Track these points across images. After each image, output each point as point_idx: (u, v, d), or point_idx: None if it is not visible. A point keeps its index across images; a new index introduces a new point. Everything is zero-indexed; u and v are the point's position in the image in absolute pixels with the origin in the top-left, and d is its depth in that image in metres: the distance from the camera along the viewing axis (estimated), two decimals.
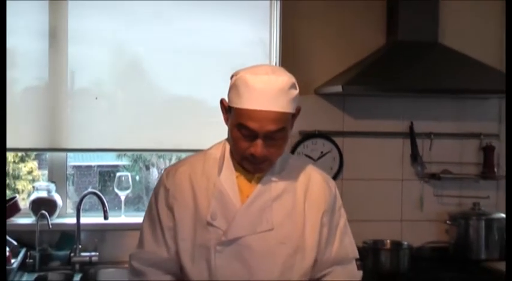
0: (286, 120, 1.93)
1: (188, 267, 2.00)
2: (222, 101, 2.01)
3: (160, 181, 2.11)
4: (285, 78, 1.92)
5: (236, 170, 2.04)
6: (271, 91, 1.88)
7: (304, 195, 2.07)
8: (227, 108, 1.99)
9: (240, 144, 1.94)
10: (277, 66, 1.96)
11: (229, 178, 2.02)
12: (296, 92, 1.96)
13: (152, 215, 2.09)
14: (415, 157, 3.87)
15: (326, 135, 3.80)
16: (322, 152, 3.78)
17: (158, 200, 2.06)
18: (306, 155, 3.74)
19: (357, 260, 2.22)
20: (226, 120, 2.02)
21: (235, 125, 1.93)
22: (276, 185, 2.03)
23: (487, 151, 3.91)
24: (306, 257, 2.04)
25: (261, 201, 2.00)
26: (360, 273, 2.23)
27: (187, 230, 2.00)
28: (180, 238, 2.00)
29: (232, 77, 1.98)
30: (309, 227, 2.04)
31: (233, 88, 1.94)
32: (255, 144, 1.91)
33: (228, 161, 2.05)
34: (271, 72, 1.92)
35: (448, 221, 3.84)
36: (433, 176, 3.89)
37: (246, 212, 1.99)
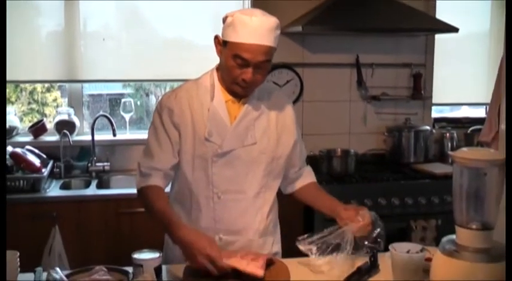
0: (271, 53, 1.94)
1: (189, 175, 2.04)
2: (216, 37, 1.98)
3: (163, 103, 2.07)
4: (274, 19, 1.94)
5: (226, 96, 2.05)
6: (264, 29, 1.89)
7: (276, 115, 2.11)
8: (222, 43, 1.96)
9: (233, 71, 1.94)
10: (264, 11, 1.99)
11: (220, 103, 2.03)
12: (279, 31, 1.96)
13: (158, 131, 2.05)
14: (360, 82, 3.91)
15: (289, 66, 3.82)
16: (287, 80, 3.82)
17: (163, 119, 2.04)
18: (274, 82, 3.75)
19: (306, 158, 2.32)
20: (220, 53, 1.99)
21: (231, 56, 1.92)
22: (256, 108, 2.06)
23: (416, 78, 3.96)
24: (279, 164, 2.11)
25: (246, 121, 2.04)
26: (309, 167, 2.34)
27: (188, 144, 2.02)
28: (183, 150, 2.02)
29: (226, 17, 1.96)
30: (279, 141, 2.10)
31: (230, 26, 1.92)
32: (247, 71, 1.92)
33: (219, 89, 2.04)
34: (262, 14, 1.93)
35: (385, 133, 3.95)
36: (374, 98, 3.94)
37: (235, 130, 2.02)
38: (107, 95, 4.09)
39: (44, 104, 4.00)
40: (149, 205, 2.00)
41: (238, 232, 2.05)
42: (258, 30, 1.89)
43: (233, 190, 2.04)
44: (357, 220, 2.00)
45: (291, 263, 1.96)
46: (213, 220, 2.05)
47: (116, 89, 4.12)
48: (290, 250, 2.09)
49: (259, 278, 1.79)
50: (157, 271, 1.79)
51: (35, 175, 3.24)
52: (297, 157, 2.22)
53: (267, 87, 2.18)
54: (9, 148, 3.31)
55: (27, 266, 1.89)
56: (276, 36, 1.94)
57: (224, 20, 1.98)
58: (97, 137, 3.69)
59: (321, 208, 2.22)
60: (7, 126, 3.60)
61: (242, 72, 1.93)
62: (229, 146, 2.02)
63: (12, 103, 3.86)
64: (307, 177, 2.28)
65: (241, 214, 2.05)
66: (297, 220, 3.30)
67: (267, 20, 1.92)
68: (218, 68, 2.09)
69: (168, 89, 3.95)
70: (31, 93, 3.97)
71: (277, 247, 2.20)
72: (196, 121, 2.02)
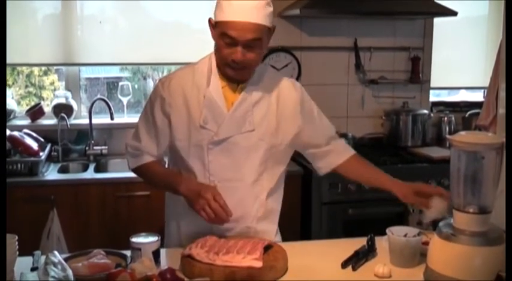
0: (262, 31, 1.87)
1: (186, 163, 2.01)
2: (210, 20, 1.95)
3: (156, 90, 2.05)
4: None
5: (222, 81, 2.00)
6: (250, 5, 1.84)
7: (277, 101, 2.04)
8: (213, 24, 1.93)
9: (223, 51, 1.90)
10: None
11: (216, 89, 1.98)
12: (271, 9, 1.90)
13: (148, 117, 2.05)
14: (358, 66, 3.90)
15: (287, 50, 3.79)
16: (284, 64, 3.78)
17: (154, 107, 2.02)
18: (272, 66, 3.63)
19: (336, 132, 2.22)
20: (212, 35, 1.95)
21: (219, 35, 1.89)
22: (255, 93, 2.00)
23: (414, 61, 3.95)
24: (279, 151, 2.05)
25: (243, 107, 1.98)
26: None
27: (182, 132, 1.99)
28: (176, 138, 2.00)
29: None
30: (280, 127, 2.04)
31: (218, 6, 1.90)
32: (236, 51, 1.87)
33: (215, 74, 2.00)
34: None
35: (383, 117, 3.96)
36: (372, 82, 3.93)
37: (232, 117, 1.97)
38: (105, 78, 4.10)
39: (41, 88, 3.99)
40: (149, 178, 2.09)
41: (236, 219, 2.00)
42: (244, 6, 1.85)
43: (230, 177, 2.01)
44: (430, 206, 1.96)
45: (288, 246, 1.96)
46: None
47: (114, 72, 4.10)
48: (287, 232, 2.09)
49: None
50: (156, 254, 1.79)
51: (32, 159, 3.24)
52: (316, 136, 2.13)
53: (268, 72, 2.13)
54: (7, 132, 3.30)
55: (25, 249, 1.89)
56: (267, 14, 1.89)
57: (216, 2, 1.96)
58: (95, 121, 3.68)
59: (375, 184, 2.14)
60: None
61: (231, 51, 1.89)
62: (226, 133, 1.98)
63: (9, 86, 3.85)
64: (342, 153, 2.16)
65: (238, 201, 1.99)
66: (295, 205, 3.32)
67: None
68: (215, 53, 2.04)
69: (165, 73, 3.99)
70: (28, 76, 3.96)
71: (278, 237, 2.17)
72: (191, 108, 1.99)
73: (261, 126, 2.01)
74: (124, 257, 1.83)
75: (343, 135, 3.62)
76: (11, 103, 3.73)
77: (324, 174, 2.21)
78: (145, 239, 1.81)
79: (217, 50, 1.94)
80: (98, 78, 4.08)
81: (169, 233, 2.14)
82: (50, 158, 3.49)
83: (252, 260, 1.76)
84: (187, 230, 2.06)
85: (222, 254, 1.79)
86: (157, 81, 2.14)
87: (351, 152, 2.19)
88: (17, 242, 1.79)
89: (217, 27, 1.91)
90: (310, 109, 2.14)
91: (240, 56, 1.88)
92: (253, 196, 2.04)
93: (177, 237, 2.11)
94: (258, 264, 1.75)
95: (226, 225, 1.96)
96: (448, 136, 1.72)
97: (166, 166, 2.18)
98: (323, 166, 2.18)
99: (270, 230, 2.12)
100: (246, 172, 2.02)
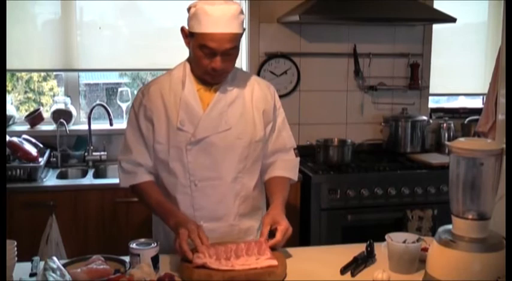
0: (238, 39, 1.97)
1: (166, 165, 2.06)
2: (182, 29, 2.01)
3: (137, 99, 2.10)
4: (236, 6, 1.95)
5: (197, 84, 2.07)
6: (227, 17, 1.91)
7: (251, 99, 2.11)
8: (188, 34, 1.99)
9: (202, 62, 1.96)
10: None
11: (191, 92, 2.05)
12: (243, 16, 1.98)
13: (134, 128, 2.09)
14: (357, 72, 3.89)
15: (286, 56, 3.80)
16: (284, 70, 3.79)
17: (138, 115, 2.07)
18: (271, 72, 3.74)
19: (294, 149, 2.25)
20: (188, 44, 2.02)
21: (198, 46, 1.94)
22: (230, 93, 2.07)
23: (413, 67, 3.95)
24: (257, 147, 2.11)
25: (219, 107, 2.04)
26: (298, 159, 2.25)
27: (162, 135, 2.04)
28: (156, 141, 2.05)
29: (190, 8, 1.98)
30: (257, 124, 2.10)
31: (194, 17, 1.93)
32: (215, 60, 1.94)
33: (190, 78, 2.06)
34: (224, 2, 1.94)
35: (382, 123, 3.95)
36: (371, 88, 3.92)
37: (208, 117, 2.03)
38: (104, 84, 4.10)
39: (41, 93, 4.00)
40: (145, 200, 2.10)
41: (218, 218, 2.07)
42: (221, 19, 1.91)
43: (210, 176, 2.06)
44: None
45: (287, 252, 1.96)
46: (192, 207, 2.07)
47: (113, 78, 4.12)
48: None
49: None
50: (154, 260, 1.79)
51: (31, 164, 3.24)
52: (270, 142, 2.19)
53: (240, 72, 2.19)
54: (6, 137, 3.29)
55: (24, 255, 1.89)
56: (240, 22, 1.96)
57: (188, 10, 2.00)
58: (94, 127, 3.68)
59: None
60: None
61: (211, 61, 1.96)
62: (202, 133, 2.03)
63: (9, 92, 3.85)
64: (277, 169, 2.22)
65: (219, 200, 2.07)
66: (294, 211, 3.31)
67: (229, 8, 1.94)
68: (189, 59, 2.11)
69: None
70: (27, 82, 3.96)
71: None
72: (170, 111, 2.05)
73: (238, 125, 2.06)
74: (123, 263, 1.83)
75: (342, 142, 3.71)
76: (10, 109, 3.73)
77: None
78: (144, 245, 1.81)
79: (196, 59, 2.00)
80: (97, 84, 4.09)
81: (157, 237, 2.15)
82: (49, 164, 3.50)
83: (266, 260, 1.80)
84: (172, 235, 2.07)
85: (233, 259, 1.80)
86: (138, 90, 2.19)
87: (283, 173, 2.21)
88: (16, 248, 1.79)
89: (194, 38, 1.96)
90: (276, 115, 2.20)
91: (219, 65, 1.96)
92: (233, 193, 2.09)
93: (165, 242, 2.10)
94: (274, 262, 1.79)
95: (210, 225, 2.02)
96: (447, 142, 1.73)
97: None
98: (263, 174, 2.22)
99: (254, 227, 2.17)
100: (225, 171, 2.07)
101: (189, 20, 1.98)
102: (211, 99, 2.06)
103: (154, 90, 2.08)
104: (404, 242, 1.87)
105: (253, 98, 2.12)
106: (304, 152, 2.29)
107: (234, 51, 1.98)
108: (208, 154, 2.04)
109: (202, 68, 1.99)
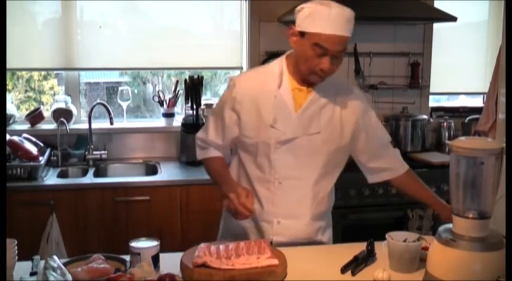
0: (347, 43, 1.97)
1: (252, 159, 2.13)
2: (291, 28, 2.01)
3: (229, 89, 2.16)
4: (350, 10, 1.97)
5: (292, 83, 2.09)
6: (344, 20, 1.93)
7: (341, 107, 2.11)
8: (298, 33, 1.99)
9: (312, 61, 1.97)
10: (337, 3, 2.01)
11: (287, 91, 2.07)
12: (354, 22, 1.98)
13: (217, 113, 2.19)
14: (358, 71, 3.87)
15: None
16: None
17: (225, 104, 2.14)
18: None
19: (391, 142, 2.31)
20: (295, 44, 2.02)
21: (310, 46, 1.95)
22: (323, 97, 2.08)
23: (414, 66, 3.95)
24: (340, 154, 2.15)
25: (312, 109, 2.07)
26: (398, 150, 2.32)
27: (251, 130, 2.09)
28: (245, 136, 2.11)
29: (302, 9, 1.97)
30: (344, 131, 2.12)
31: (309, 17, 1.94)
32: (324, 61, 1.95)
33: (287, 77, 2.09)
34: (339, 6, 1.96)
35: (383, 122, 3.76)
36: (372, 87, 3.93)
37: (299, 118, 2.06)
38: (104, 83, 4.10)
39: (41, 92, 4.00)
40: (208, 171, 2.26)
41: (295, 216, 2.13)
42: (337, 21, 1.93)
43: (293, 176, 2.10)
44: None
45: (288, 251, 1.96)
46: (272, 203, 2.13)
47: (113, 77, 4.11)
48: None
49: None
50: (155, 259, 1.79)
51: (32, 163, 3.24)
52: (369, 144, 2.21)
53: (334, 76, 2.15)
54: (7, 136, 3.30)
55: (24, 254, 1.89)
56: (352, 27, 1.98)
57: (298, 11, 2.00)
58: (94, 126, 3.69)
59: (421, 200, 2.30)
60: None
61: (320, 61, 1.96)
62: (293, 134, 2.07)
63: (9, 91, 3.85)
64: (395, 169, 2.26)
65: (298, 200, 2.12)
66: None
67: (345, 11, 1.96)
68: (288, 57, 2.13)
69: (165, 77, 4.03)
70: (28, 81, 3.96)
71: (327, 236, 2.27)
72: (262, 107, 2.08)
73: (326, 130, 2.09)
74: (123, 262, 1.83)
75: None
76: (10, 108, 3.74)
77: (371, 183, 2.33)
78: (144, 244, 1.81)
79: (305, 58, 2.00)
80: (97, 83, 4.09)
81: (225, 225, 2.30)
82: (49, 163, 3.50)
83: (267, 259, 1.80)
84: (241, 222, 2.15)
85: (234, 258, 1.80)
86: (230, 80, 2.25)
87: (404, 167, 2.28)
88: (16, 247, 1.80)
89: (307, 37, 1.96)
90: (368, 117, 2.21)
91: (328, 65, 1.96)
92: (312, 195, 2.14)
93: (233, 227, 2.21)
94: (275, 261, 1.78)
95: (286, 222, 2.12)
96: (447, 141, 1.73)
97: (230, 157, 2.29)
98: (373, 175, 2.29)
99: (322, 227, 2.23)
100: (308, 173, 2.12)
101: (302, 19, 1.97)
102: (304, 100, 2.09)
103: (248, 85, 2.13)
104: (404, 241, 1.87)
105: (343, 104, 2.13)
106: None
107: (342, 54, 1.99)
108: (293, 155, 2.08)
109: (311, 67, 2.00)
